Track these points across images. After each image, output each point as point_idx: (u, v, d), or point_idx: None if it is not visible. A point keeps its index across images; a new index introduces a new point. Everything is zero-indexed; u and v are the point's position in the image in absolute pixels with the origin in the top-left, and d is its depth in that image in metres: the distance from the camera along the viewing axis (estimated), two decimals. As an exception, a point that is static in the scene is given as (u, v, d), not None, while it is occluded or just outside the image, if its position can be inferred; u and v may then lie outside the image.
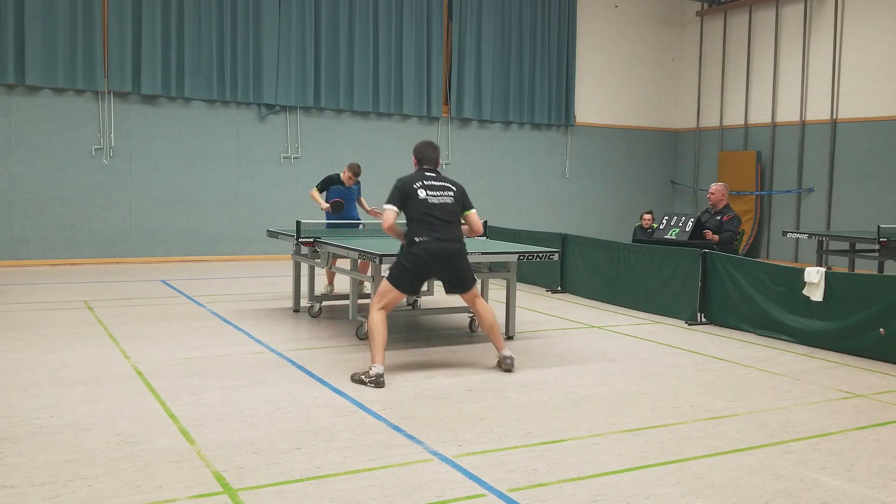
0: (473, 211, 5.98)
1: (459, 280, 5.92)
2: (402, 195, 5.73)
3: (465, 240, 6.02)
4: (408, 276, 5.74)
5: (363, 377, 5.44)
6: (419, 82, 14.52)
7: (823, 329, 6.96)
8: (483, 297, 7.53)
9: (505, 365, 5.92)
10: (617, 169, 16.99)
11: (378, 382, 5.37)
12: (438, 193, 5.79)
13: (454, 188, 5.90)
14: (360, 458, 3.98)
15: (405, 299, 8.62)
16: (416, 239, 5.66)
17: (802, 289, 7.11)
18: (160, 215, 12.77)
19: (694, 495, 3.63)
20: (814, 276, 7.02)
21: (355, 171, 9.17)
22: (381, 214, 6.25)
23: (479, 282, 6.01)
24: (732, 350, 6.94)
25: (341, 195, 9.07)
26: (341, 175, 9.17)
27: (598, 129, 16.69)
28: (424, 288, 8.55)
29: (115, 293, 9.40)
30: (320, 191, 9.16)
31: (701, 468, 3.97)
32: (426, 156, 5.95)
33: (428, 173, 5.87)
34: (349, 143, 14.08)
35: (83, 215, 12.25)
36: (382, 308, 5.68)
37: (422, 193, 5.73)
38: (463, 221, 5.97)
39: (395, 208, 5.70)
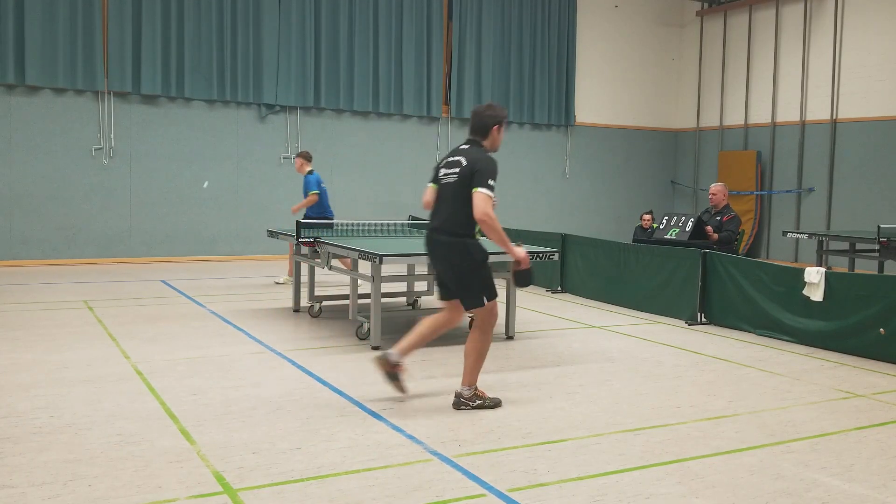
0: (480, 190, 4.61)
1: (459, 285, 4.86)
2: (436, 171, 5.04)
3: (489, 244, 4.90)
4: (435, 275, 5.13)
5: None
6: (419, 82, 14.52)
7: (823, 329, 6.96)
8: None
9: (454, 400, 4.92)
10: (617, 169, 16.99)
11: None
12: (447, 171, 4.86)
13: (465, 162, 4.75)
14: (360, 458, 3.98)
15: (406, 300, 8.68)
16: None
17: (803, 289, 7.11)
18: (160, 215, 12.77)
19: (694, 495, 3.63)
20: (814, 276, 7.02)
21: (305, 155, 10.12)
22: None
23: (486, 310, 4.85)
24: (732, 350, 6.94)
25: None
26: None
27: (598, 129, 16.69)
28: (423, 287, 8.57)
29: (115, 293, 9.40)
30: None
31: (701, 468, 3.97)
32: (472, 124, 4.98)
33: (461, 145, 4.97)
34: (349, 143, 14.08)
35: (83, 215, 12.25)
36: (441, 311, 5.09)
37: (442, 171, 4.93)
38: None
39: (429, 185, 5.00)
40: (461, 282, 4.85)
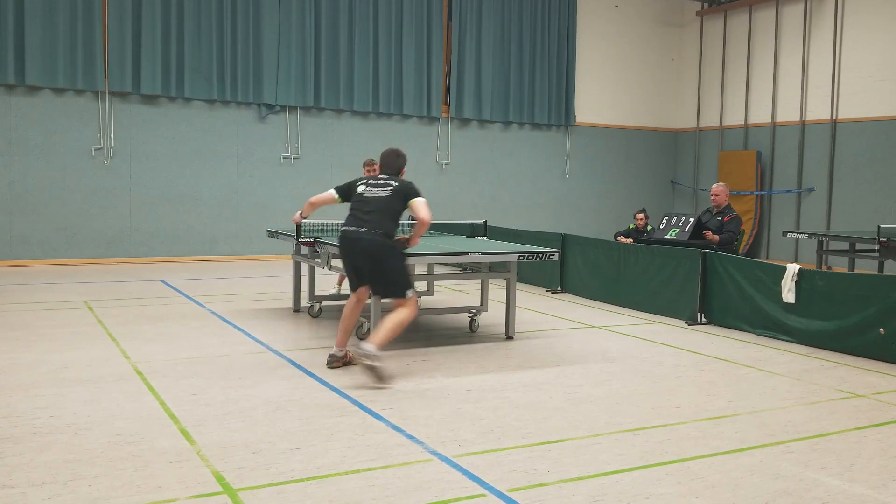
0: (418, 199, 5.78)
1: (377, 279, 5.78)
2: (349, 188, 6.02)
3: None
4: (347, 272, 5.98)
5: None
6: (419, 82, 14.52)
7: (823, 329, 6.96)
8: (483, 297, 7.54)
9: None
10: (617, 169, 16.99)
11: (329, 361, 5.84)
12: (376, 189, 5.85)
13: (396, 184, 5.84)
14: (360, 458, 3.98)
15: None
16: (342, 228, 5.85)
17: (802, 288, 7.13)
18: (160, 215, 12.77)
19: (694, 495, 3.63)
20: (788, 277, 7.12)
21: (370, 162, 9.16)
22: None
23: (413, 296, 5.72)
24: (732, 350, 6.94)
25: None
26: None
27: (597, 129, 16.69)
28: (424, 287, 8.57)
29: (115, 293, 9.40)
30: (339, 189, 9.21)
31: (701, 468, 3.97)
32: (384, 163, 6.01)
33: (381, 175, 5.97)
34: (349, 143, 14.08)
35: (83, 215, 12.25)
36: (352, 299, 6.00)
37: (361, 188, 5.91)
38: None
39: (333, 192, 6.08)
40: (389, 273, 5.79)
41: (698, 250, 8.27)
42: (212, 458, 3.94)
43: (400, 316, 5.63)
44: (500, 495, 3.56)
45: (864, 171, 13.71)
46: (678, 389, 5.56)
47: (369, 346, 5.37)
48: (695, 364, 6.37)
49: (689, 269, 8.27)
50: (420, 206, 5.76)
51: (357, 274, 5.88)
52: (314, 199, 6.19)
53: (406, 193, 5.82)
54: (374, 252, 5.69)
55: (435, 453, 4.09)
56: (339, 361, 5.86)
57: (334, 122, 14.03)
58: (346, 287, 9.09)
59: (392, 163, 6.01)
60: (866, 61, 13.62)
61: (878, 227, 9.81)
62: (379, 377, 5.35)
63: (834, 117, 14.13)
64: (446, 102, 15.00)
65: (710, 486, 3.75)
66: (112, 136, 12.38)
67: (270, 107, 13.42)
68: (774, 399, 5.36)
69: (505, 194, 15.70)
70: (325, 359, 6.07)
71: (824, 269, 10.84)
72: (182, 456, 3.96)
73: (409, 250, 6.00)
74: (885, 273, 9.21)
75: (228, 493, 3.52)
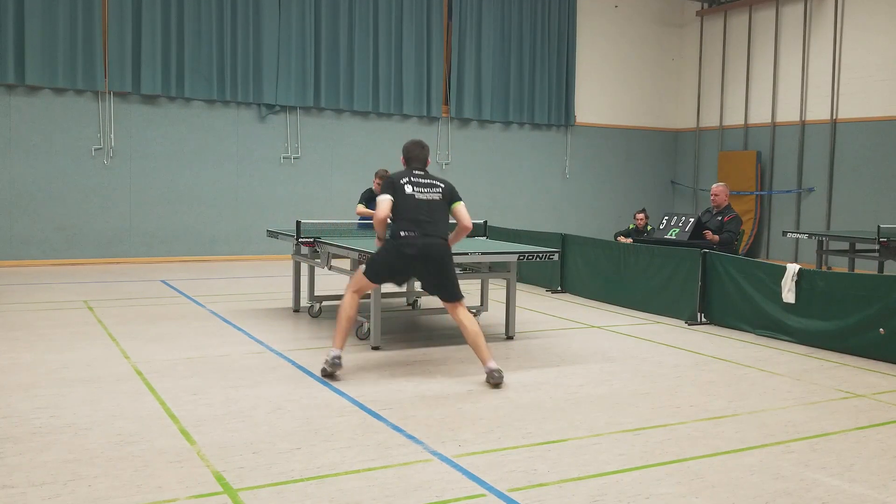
0: (461, 203, 5.84)
1: (442, 284, 5.73)
2: (392, 189, 5.71)
3: (463, 241, 5.88)
4: (384, 269, 5.75)
5: (324, 363, 5.57)
6: (419, 82, 14.52)
7: (823, 329, 6.96)
8: (483, 296, 7.55)
9: (493, 379, 5.45)
10: (617, 169, 17.00)
11: (333, 364, 5.50)
12: (426, 190, 5.74)
13: (442, 184, 5.82)
14: (360, 458, 3.98)
15: (405, 300, 8.68)
16: (402, 233, 5.63)
17: (802, 288, 7.13)
18: (160, 215, 12.77)
19: (694, 495, 3.63)
20: (788, 277, 7.11)
21: (384, 174, 9.05)
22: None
23: (464, 298, 5.81)
24: (732, 350, 6.94)
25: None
26: (373, 187, 9.02)
27: (598, 129, 16.69)
28: (418, 286, 8.55)
29: (115, 293, 9.40)
30: (366, 206, 9.01)
31: (701, 468, 3.97)
32: (414, 155, 5.89)
33: (416, 171, 5.84)
34: (349, 143, 14.08)
35: (83, 215, 12.25)
36: (355, 292, 5.79)
37: (409, 189, 5.70)
38: (452, 219, 5.89)
39: (389, 197, 5.66)
40: (450, 278, 5.76)
41: (698, 250, 8.27)
42: (212, 458, 3.94)
43: (475, 325, 5.66)
44: (500, 495, 3.56)
45: (864, 171, 13.71)
46: (678, 389, 5.56)
47: (493, 363, 5.52)
48: (695, 364, 6.37)
49: (689, 269, 8.27)
50: (464, 211, 5.80)
51: (397, 274, 5.81)
52: (380, 215, 5.65)
53: (451, 196, 5.81)
54: (443, 257, 5.68)
55: (435, 453, 4.09)
56: (339, 367, 5.56)
57: (334, 122, 14.03)
58: (338, 286, 9.08)
59: (419, 155, 5.90)
60: (866, 61, 13.62)
61: (878, 227, 9.81)
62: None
63: (834, 117, 14.13)
64: (446, 102, 15.01)
65: (710, 486, 3.75)
66: (112, 136, 12.38)
67: (270, 107, 13.42)
68: (774, 399, 5.36)
69: (505, 194, 15.70)
70: (324, 358, 6.06)
71: (824, 269, 10.84)
72: (182, 456, 3.96)
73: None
74: (885, 273, 9.21)
75: (228, 493, 3.52)
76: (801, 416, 4.94)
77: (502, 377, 5.48)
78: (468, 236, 6.68)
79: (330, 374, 5.55)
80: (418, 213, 5.65)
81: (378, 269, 5.78)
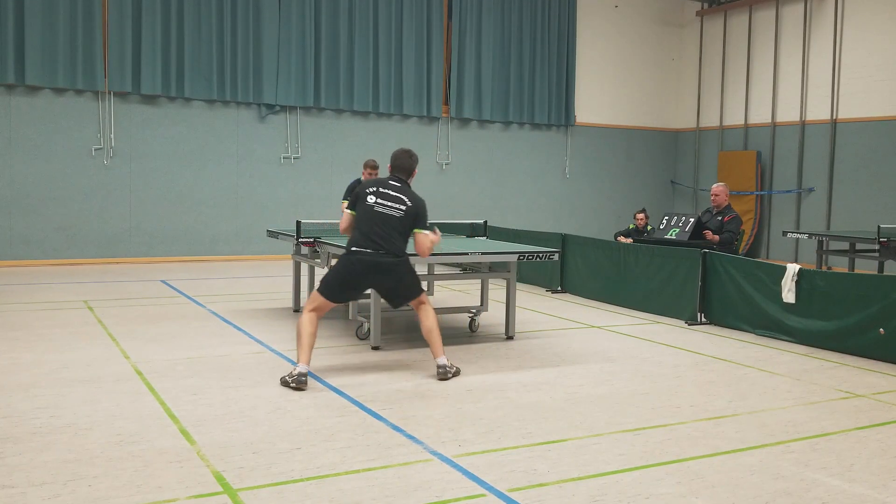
0: (424, 232, 5.64)
1: (401, 293, 5.72)
2: (355, 196, 5.68)
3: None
4: (336, 284, 5.58)
5: (287, 377, 5.29)
6: (419, 82, 14.52)
7: (823, 329, 6.96)
8: (483, 297, 7.55)
9: (439, 374, 5.55)
10: (617, 169, 17.00)
11: (299, 382, 5.20)
12: (388, 203, 5.57)
13: (409, 203, 5.60)
14: (360, 458, 3.98)
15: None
16: (353, 248, 5.56)
17: (802, 289, 7.13)
18: (160, 215, 12.77)
19: (694, 495, 3.63)
20: (788, 277, 7.12)
21: (372, 164, 9.10)
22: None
23: (425, 291, 5.81)
24: (732, 350, 6.94)
25: None
26: (362, 178, 9.08)
27: (598, 129, 16.70)
28: (424, 287, 8.55)
29: (115, 293, 9.40)
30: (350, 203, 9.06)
31: (701, 468, 3.97)
32: (398, 164, 5.76)
33: (391, 181, 5.70)
34: (349, 143, 14.08)
35: (83, 215, 12.25)
36: (312, 311, 5.53)
37: (371, 199, 5.59)
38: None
39: (349, 212, 5.70)
40: (409, 285, 5.73)
41: (698, 250, 8.27)
42: (212, 458, 3.94)
43: (430, 320, 5.70)
44: (500, 495, 3.56)
45: (864, 171, 13.71)
46: (678, 389, 5.56)
47: (442, 359, 5.62)
48: (695, 364, 6.37)
49: (689, 269, 8.26)
50: (423, 241, 5.63)
51: (350, 290, 5.72)
52: (340, 228, 5.85)
53: (415, 220, 5.62)
54: (391, 273, 5.58)
55: (435, 453, 4.09)
56: (305, 384, 5.27)
57: (334, 122, 14.03)
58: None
59: (404, 164, 5.76)
60: (866, 61, 13.62)
61: (878, 227, 9.81)
62: (456, 374, 5.73)
63: (834, 117, 14.13)
64: (446, 102, 15.01)
65: (710, 486, 3.75)
66: (112, 136, 12.38)
67: (270, 107, 13.42)
68: (774, 399, 5.36)
69: (505, 194, 15.70)
70: (324, 359, 6.07)
71: (824, 269, 10.85)
72: (182, 456, 3.96)
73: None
74: (885, 273, 9.21)
75: (228, 493, 3.52)
76: (801, 416, 4.94)
77: (449, 373, 5.58)
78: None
79: (295, 389, 5.26)
80: (371, 227, 5.53)
81: (332, 285, 5.59)
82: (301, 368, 5.27)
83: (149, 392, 5.12)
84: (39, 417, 4.54)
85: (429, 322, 5.70)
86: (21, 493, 3.46)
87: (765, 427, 4.69)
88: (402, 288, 5.70)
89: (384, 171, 6.22)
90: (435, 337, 5.66)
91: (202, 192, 13.05)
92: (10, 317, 7.71)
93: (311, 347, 5.41)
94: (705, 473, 3.90)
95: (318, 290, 5.60)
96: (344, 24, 13.81)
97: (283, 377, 5.35)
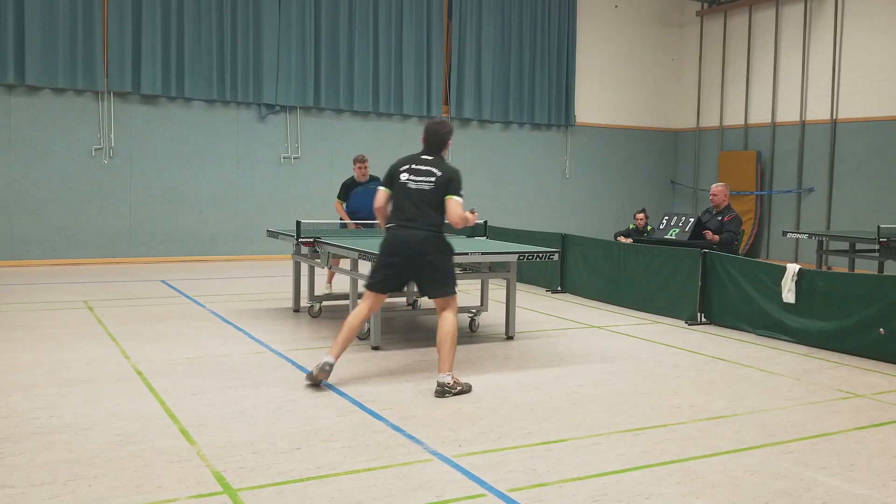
0: (455, 198, 5.36)
1: (430, 276, 5.38)
2: (390, 176, 5.55)
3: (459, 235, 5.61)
4: (377, 269, 5.51)
5: (314, 367, 5.30)
6: (419, 82, 14.52)
7: (823, 329, 6.96)
8: (483, 297, 7.54)
9: (437, 391, 5.20)
10: (617, 169, 17.00)
11: (321, 369, 5.24)
12: (420, 179, 5.41)
13: (439, 173, 5.40)
14: (360, 458, 3.98)
15: (405, 300, 8.66)
16: (388, 225, 5.49)
17: (801, 288, 7.13)
18: (160, 215, 12.77)
19: (694, 495, 3.63)
20: (788, 277, 7.12)
21: (360, 158, 9.14)
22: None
23: (456, 298, 5.45)
24: (732, 350, 6.95)
25: (364, 197, 8.71)
26: (354, 174, 9.15)
27: (598, 129, 16.70)
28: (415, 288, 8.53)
29: (115, 293, 9.40)
30: (343, 199, 9.12)
31: (701, 468, 3.97)
32: (430, 137, 5.55)
33: (423, 156, 5.52)
34: (349, 143, 14.07)
35: (83, 215, 12.25)
36: (364, 307, 5.53)
37: (404, 176, 5.45)
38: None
39: (384, 189, 5.55)
40: (440, 270, 5.42)
41: (698, 250, 8.27)
42: (212, 458, 3.94)
43: (446, 330, 5.31)
44: (500, 495, 3.56)
45: (864, 171, 13.71)
46: (678, 389, 5.56)
47: (445, 377, 5.20)
48: (695, 364, 6.37)
49: (689, 269, 8.26)
50: (453, 206, 5.36)
51: (389, 270, 5.45)
52: (374, 206, 5.63)
53: (446, 188, 5.38)
54: (425, 247, 5.33)
55: (435, 453, 4.09)
56: (327, 373, 5.29)
57: (334, 122, 14.03)
58: (336, 286, 9.10)
59: (436, 135, 5.53)
60: (866, 61, 13.62)
61: (878, 227, 9.80)
62: (467, 392, 5.30)
63: (834, 117, 14.13)
64: (446, 102, 15.01)
65: (710, 486, 3.75)
66: (112, 136, 12.38)
67: (270, 107, 13.42)
68: (774, 399, 5.36)
69: (505, 194, 15.70)
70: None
71: (824, 269, 10.84)
72: (182, 456, 3.96)
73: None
74: (885, 273, 9.21)
75: (228, 493, 3.52)
76: (801, 416, 4.94)
77: (448, 392, 5.17)
78: (467, 234, 6.45)
79: (315, 381, 5.29)
80: (404, 203, 5.41)
81: (374, 271, 5.57)
82: (327, 359, 5.31)
83: (149, 392, 5.12)
84: (39, 417, 4.54)
85: (444, 331, 5.30)
86: (21, 493, 3.46)
87: (765, 427, 4.69)
88: (437, 274, 5.39)
89: (411, 148, 6.09)
90: (446, 350, 5.25)
91: (202, 192, 13.05)
92: (9, 317, 7.71)
93: (345, 343, 5.40)
94: (705, 473, 3.90)
95: (365, 284, 5.62)
96: (344, 24, 13.81)
97: (311, 371, 5.35)
